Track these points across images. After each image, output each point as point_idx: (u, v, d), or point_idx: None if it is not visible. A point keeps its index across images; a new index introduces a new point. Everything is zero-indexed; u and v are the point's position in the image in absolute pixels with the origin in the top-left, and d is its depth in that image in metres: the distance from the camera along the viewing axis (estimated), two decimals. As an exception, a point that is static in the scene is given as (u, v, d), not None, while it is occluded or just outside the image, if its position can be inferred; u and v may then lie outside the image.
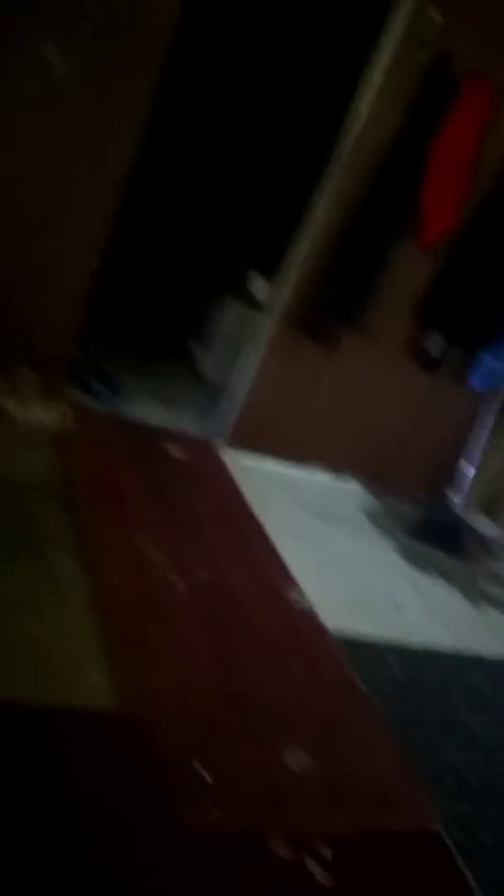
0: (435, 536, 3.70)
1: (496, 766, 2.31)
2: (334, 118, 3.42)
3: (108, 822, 1.51)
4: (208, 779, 1.71)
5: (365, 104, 3.26)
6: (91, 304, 3.34)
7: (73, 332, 3.35)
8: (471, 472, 3.98)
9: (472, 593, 3.40)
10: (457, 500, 3.97)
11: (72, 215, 3.13)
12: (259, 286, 4.54)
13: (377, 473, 4.11)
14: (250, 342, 3.74)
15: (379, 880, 1.68)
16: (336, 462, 4.00)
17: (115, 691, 1.85)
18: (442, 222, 3.57)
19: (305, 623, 2.61)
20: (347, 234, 3.46)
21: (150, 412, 3.81)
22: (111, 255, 3.29)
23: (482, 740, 2.40)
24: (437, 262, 3.67)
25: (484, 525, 4.18)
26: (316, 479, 3.94)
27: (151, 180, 4.15)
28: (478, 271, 3.69)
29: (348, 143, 3.32)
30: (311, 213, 3.47)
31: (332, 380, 3.79)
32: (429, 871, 1.82)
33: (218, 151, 4.60)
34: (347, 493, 3.99)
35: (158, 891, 1.42)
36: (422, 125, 3.34)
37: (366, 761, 2.05)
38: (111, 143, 3.06)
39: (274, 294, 3.71)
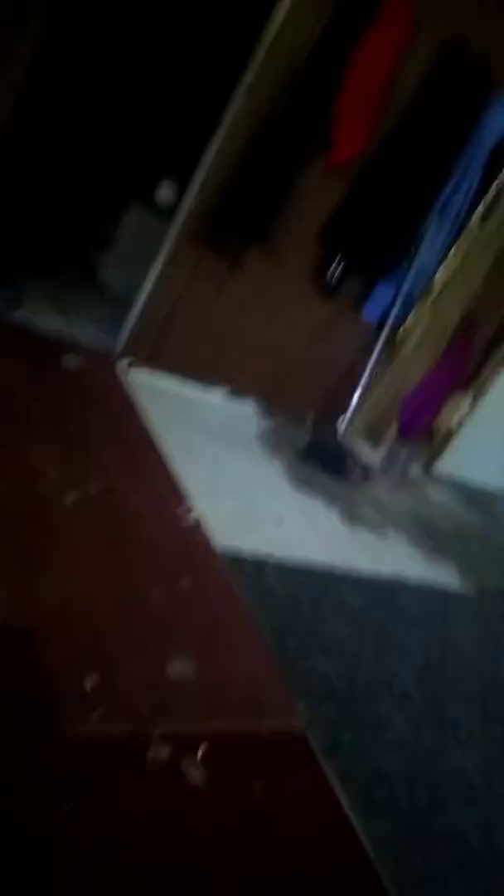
0: (320, 459, 3.86)
1: (360, 673, 2.53)
2: (254, 21, 3.29)
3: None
4: (92, 687, 1.79)
5: (282, 13, 3.15)
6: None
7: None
8: (357, 399, 4.14)
9: (351, 515, 3.61)
10: (342, 425, 4.13)
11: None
12: (167, 193, 4.39)
13: (271, 395, 4.19)
14: (154, 252, 3.64)
15: (247, 778, 1.84)
16: (232, 382, 4.04)
17: (0, 603, 1.88)
18: (352, 143, 3.54)
19: (193, 538, 2.70)
20: (258, 145, 3.39)
21: (47, 320, 3.68)
22: (11, 156, 3.08)
23: (349, 649, 2.62)
24: (344, 186, 3.68)
25: (365, 451, 4.39)
26: (211, 399, 3.98)
27: (60, 78, 3.87)
28: (380, 200, 3.71)
29: (265, 48, 3.21)
30: (224, 119, 3.37)
31: (234, 297, 3.78)
32: (293, 768, 2.01)
33: (133, 51, 4.31)
34: (242, 413, 4.06)
35: (39, 795, 1.50)
36: (341, 38, 3.27)
37: (243, 669, 2.20)
38: (12, 37, 2.81)
39: (181, 202, 3.61)
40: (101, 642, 1.97)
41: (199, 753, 1.81)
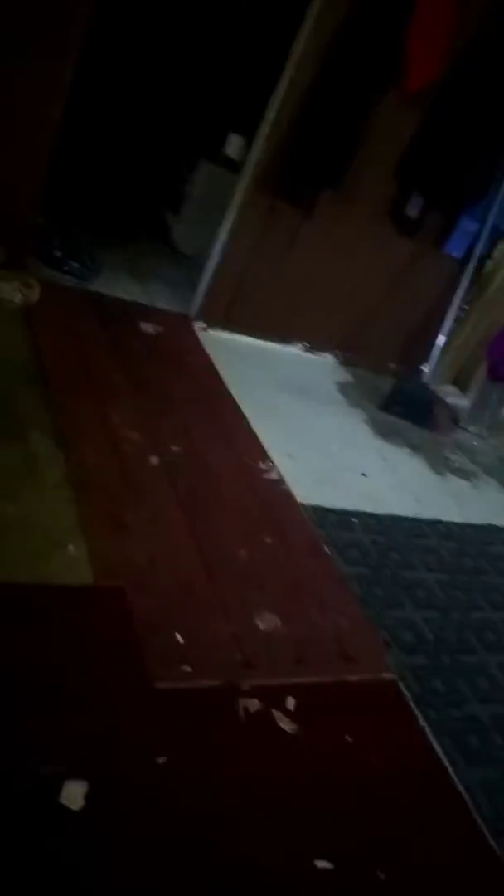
0: (405, 408, 3.78)
1: (450, 622, 2.50)
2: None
3: (85, 685, 1.65)
4: (181, 641, 1.85)
5: None
6: (61, 177, 3.18)
7: (37, 204, 3.21)
8: (442, 342, 4.00)
9: (437, 463, 3.53)
10: (428, 370, 4.01)
11: (26, 80, 2.90)
12: (234, 146, 4.30)
13: (351, 345, 4.12)
14: (226, 208, 3.61)
15: (339, 725, 1.87)
16: (310, 335, 3.99)
17: (91, 564, 1.96)
18: (427, 68, 3.36)
19: (276, 493, 2.71)
20: (323, 86, 3.27)
21: (122, 287, 3.74)
22: (80, 123, 3.10)
23: (438, 598, 2.59)
24: (419, 117, 3.50)
25: (453, 396, 4.26)
26: (290, 353, 3.95)
27: (123, 44, 3.84)
28: (459, 131, 3.52)
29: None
30: (289, 62, 3.25)
31: (308, 246, 3.70)
32: (385, 715, 2.02)
33: (191, 10, 4.21)
34: (321, 366, 4.01)
35: (135, 745, 1.57)
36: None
37: (330, 620, 2.21)
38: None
39: (249, 153, 3.54)
40: (189, 598, 2.03)
41: (290, 704, 1.85)
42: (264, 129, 3.38)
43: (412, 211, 3.72)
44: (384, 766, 1.82)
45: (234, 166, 4.01)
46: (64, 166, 3.22)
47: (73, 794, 1.39)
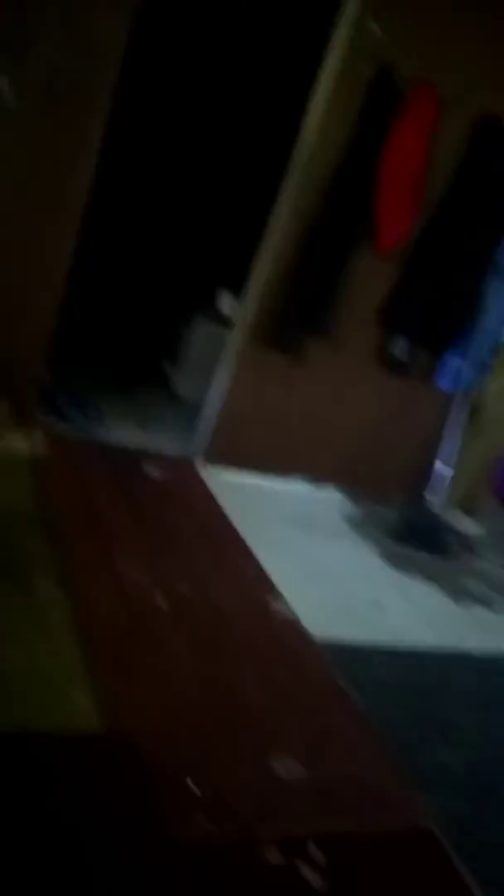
0: (416, 538, 3.75)
1: (489, 763, 2.34)
2: (288, 133, 3.50)
3: (97, 843, 1.52)
4: (198, 793, 1.72)
5: (314, 119, 3.35)
6: (62, 330, 3.38)
7: (42, 357, 3.38)
8: (446, 471, 4.03)
9: (456, 591, 3.44)
10: (434, 500, 4.01)
11: (33, 242, 3.17)
12: (227, 303, 4.59)
13: (355, 479, 4.15)
14: (221, 359, 3.78)
15: (373, 880, 1.69)
16: (313, 471, 4.04)
17: (100, 712, 1.86)
18: (397, 228, 3.66)
19: (290, 632, 2.62)
20: (306, 245, 3.54)
21: (126, 435, 3.84)
22: (79, 281, 3.33)
23: (473, 737, 2.43)
24: (397, 267, 3.75)
25: (463, 523, 4.23)
26: (294, 490, 3.98)
27: (115, 205, 4.21)
28: (436, 274, 3.78)
29: (301, 156, 3.41)
30: (271, 227, 3.54)
31: (303, 390, 3.85)
32: (424, 868, 1.82)
33: (178, 174, 4.67)
34: (326, 500, 4.03)
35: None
36: (370, 135, 3.44)
37: (356, 765, 2.06)
38: (69, 171, 3.11)
39: (240, 309, 3.77)
40: (204, 745, 1.90)
41: (317, 857, 1.68)
42: (253, 287, 3.62)
43: (399, 352, 3.90)
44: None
45: (225, 320, 4.28)
46: (65, 319, 3.42)
47: None
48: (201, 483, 3.65)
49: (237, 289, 3.99)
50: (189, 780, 1.75)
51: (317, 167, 3.42)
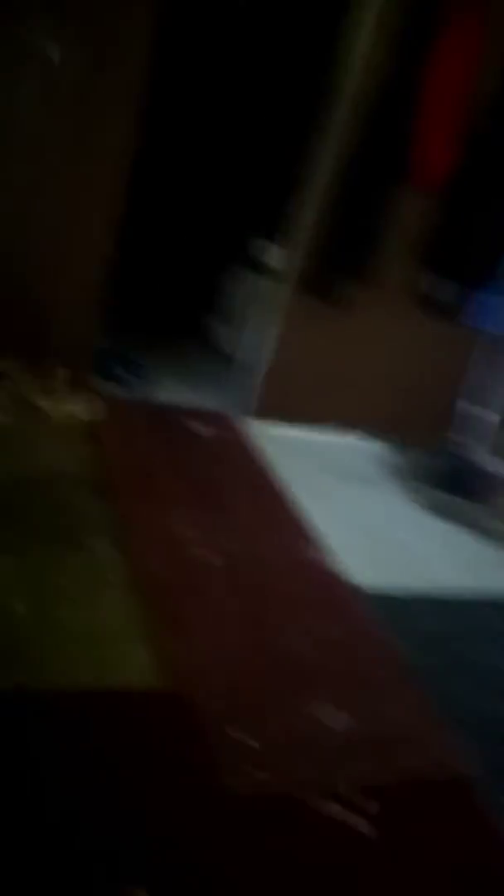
0: (455, 484, 3.79)
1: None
2: (324, 70, 3.41)
3: (155, 797, 1.68)
4: (253, 744, 1.88)
5: (353, 50, 3.23)
6: (108, 291, 3.44)
7: (94, 321, 3.46)
8: (487, 415, 4.04)
9: (496, 536, 3.50)
10: (474, 444, 4.04)
11: (82, 206, 3.21)
12: (269, 253, 4.56)
13: (396, 426, 4.19)
14: (265, 311, 3.81)
15: (422, 828, 1.83)
16: (356, 421, 4.09)
17: (158, 668, 2.02)
18: (440, 158, 3.53)
19: (333, 582, 2.75)
20: (346, 185, 3.47)
21: (174, 393, 3.93)
22: (122, 240, 3.37)
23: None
24: (440, 203, 3.67)
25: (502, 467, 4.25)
26: (337, 441, 4.04)
27: (155, 160, 4.19)
28: (479, 208, 3.66)
29: (340, 91, 3.32)
30: (310, 170, 3.49)
31: (348, 339, 3.85)
32: (469, 815, 1.95)
33: (216, 123, 4.59)
34: (368, 450, 4.08)
35: (209, 859, 1.58)
36: (411, 60, 3.28)
37: (401, 713, 2.19)
38: (112, 129, 3.12)
39: (283, 259, 3.76)
40: (255, 697, 2.06)
41: (369, 806, 1.83)
42: (294, 236, 3.60)
43: (443, 295, 3.85)
44: (466, 871, 1.77)
45: (268, 271, 4.26)
46: (113, 284, 3.48)
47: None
48: (246, 438, 3.76)
49: (270, 236, 3.95)
50: (240, 732, 1.90)
51: (357, 101, 3.31)
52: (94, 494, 2.79)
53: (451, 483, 3.79)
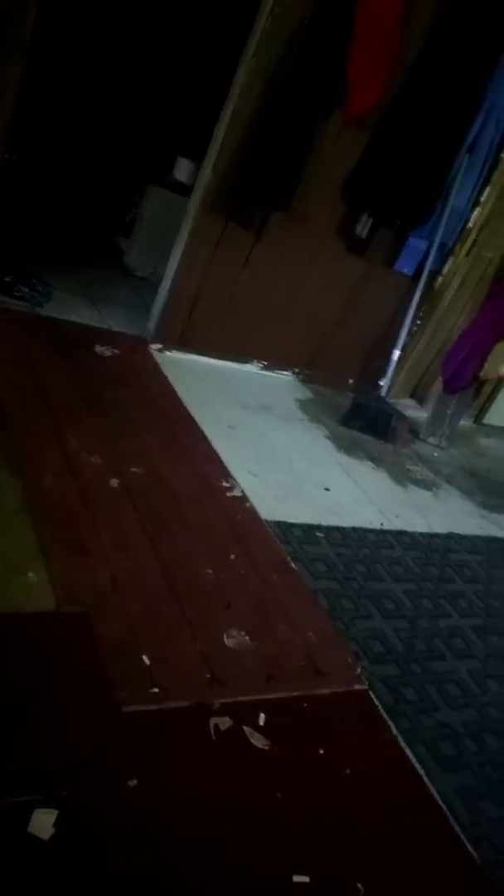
0: (364, 422, 3.81)
1: (418, 631, 2.51)
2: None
3: (52, 712, 1.61)
4: (148, 662, 1.82)
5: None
6: (7, 206, 3.17)
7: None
8: (397, 357, 4.06)
9: (399, 474, 3.56)
10: (385, 385, 4.06)
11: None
12: (183, 170, 4.35)
13: (309, 362, 4.15)
14: (175, 231, 3.63)
15: (311, 739, 1.85)
16: (268, 353, 4.02)
17: (53, 590, 1.92)
18: (369, 93, 3.43)
19: (239, 510, 2.70)
20: (269, 109, 3.32)
21: (76, 311, 3.72)
22: (24, 153, 3.10)
23: (406, 608, 2.59)
24: (366, 139, 3.57)
25: (410, 409, 4.32)
26: (248, 372, 3.97)
27: (69, 71, 3.88)
28: (405, 146, 3.59)
29: (268, 7, 3.14)
30: (232, 88, 3.31)
31: (261, 267, 3.74)
32: (357, 726, 2.01)
33: (136, 37, 4.28)
34: (279, 383, 4.04)
35: (106, 769, 1.54)
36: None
37: (299, 635, 2.20)
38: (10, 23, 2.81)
39: (198, 177, 3.57)
40: (155, 620, 2.00)
41: (262, 720, 1.83)
42: (212, 153, 3.42)
43: (361, 230, 3.78)
44: (358, 778, 1.81)
45: (184, 190, 4.05)
46: (11, 192, 3.21)
47: (43, 822, 1.35)
48: (153, 363, 3.62)
49: (197, 157, 3.75)
50: (138, 651, 1.85)
51: (283, 24, 3.16)
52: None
53: (361, 421, 3.81)
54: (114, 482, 2.52)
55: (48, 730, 1.57)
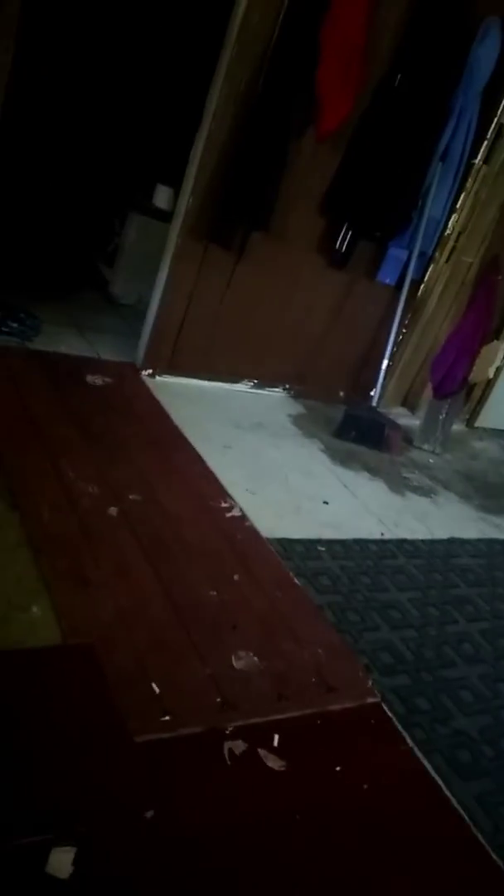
0: (358, 433, 3.82)
1: (427, 639, 2.50)
2: (219, 14, 3.26)
3: (63, 747, 1.59)
4: (158, 690, 1.81)
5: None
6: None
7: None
8: (385, 366, 4.07)
9: (396, 483, 3.56)
10: (375, 395, 4.07)
11: None
12: (162, 197, 4.39)
13: (299, 378, 4.17)
14: (158, 257, 3.65)
15: (327, 757, 1.84)
16: (257, 371, 4.03)
17: (58, 623, 1.91)
18: (339, 109, 3.47)
19: (239, 530, 2.70)
20: (243, 131, 3.36)
21: (65, 342, 3.74)
22: (4, 187, 3.12)
23: (412, 617, 2.59)
24: (340, 154, 3.61)
25: (403, 417, 4.33)
26: (239, 391, 3.98)
27: (44, 104, 3.92)
28: (379, 159, 3.63)
29: (234, 33, 3.18)
30: (206, 112, 3.34)
31: (245, 287, 3.76)
32: (372, 740, 1.99)
33: (110, 67, 4.33)
34: (271, 400, 4.05)
35: (121, 803, 1.52)
36: (308, 7, 3.21)
37: (307, 652, 2.19)
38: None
39: (177, 203, 3.60)
40: (162, 646, 1.99)
41: (276, 741, 1.81)
42: (189, 177, 3.46)
43: (341, 244, 3.82)
44: (377, 793, 1.79)
45: (165, 216, 4.08)
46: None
47: (61, 861, 1.33)
48: (146, 390, 3.63)
49: (176, 183, 3.79)
50: (151, 683, 1.83)
51: (251, 48, 3.21)
52: (-20, 448, 2.60)
53: (354, 432, 3.82)
54: (112, 510, 2.51)
55: (61, 765, 1.55)
